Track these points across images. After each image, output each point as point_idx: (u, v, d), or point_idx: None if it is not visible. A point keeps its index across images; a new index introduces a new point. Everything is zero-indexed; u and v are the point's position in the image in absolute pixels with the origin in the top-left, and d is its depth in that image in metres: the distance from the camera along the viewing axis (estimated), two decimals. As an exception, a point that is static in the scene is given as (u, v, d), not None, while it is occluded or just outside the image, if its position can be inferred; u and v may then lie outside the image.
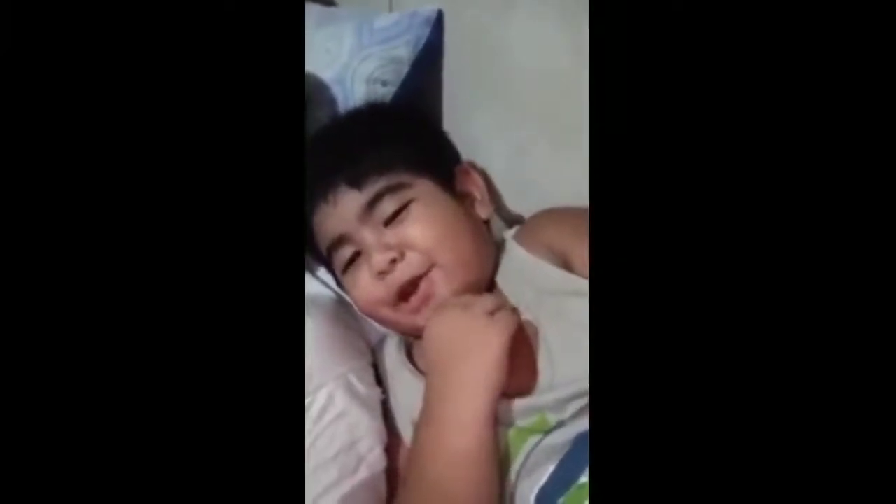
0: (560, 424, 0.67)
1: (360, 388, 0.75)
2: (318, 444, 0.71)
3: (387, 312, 0.76)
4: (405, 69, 0.91)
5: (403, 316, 0.75)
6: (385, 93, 0.90)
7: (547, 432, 0.68)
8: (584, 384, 0.65)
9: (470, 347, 0.68)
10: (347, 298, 0.82)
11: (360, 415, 0.73)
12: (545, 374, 0.70)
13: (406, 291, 0.74)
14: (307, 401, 0.71)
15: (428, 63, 0.92)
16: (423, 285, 0.74)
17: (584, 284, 0.70)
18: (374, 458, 0.73)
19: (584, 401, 0.67)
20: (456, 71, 0.92)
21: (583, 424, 0.66)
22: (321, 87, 0.90)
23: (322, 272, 0.85)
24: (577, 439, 0.65)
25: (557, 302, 0.72)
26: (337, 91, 0.90)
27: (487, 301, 0.71)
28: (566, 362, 0.69)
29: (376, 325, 0.82)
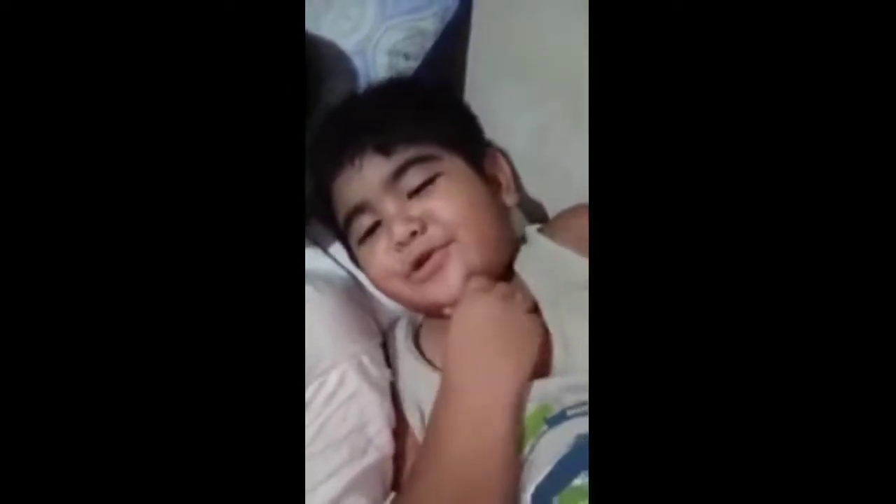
0: (562, 416, 0.65)
1: (372, 369, 0.74)
2: (328, 425, 0.70)
3: (399, 285, 0.75)
4: (429, 43, 0.88)
5: (413, 287, 0.74)
6: (407, 66, 0.88)
7: (548, 420, 0.66)
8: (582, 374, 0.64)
9: (510, 337, 0.68)
10: (359, 275, 0.81)
11: (371, 396, 0.72)
12: (559, 362, 0.69)
13: (419, 262, 0.73)
14: (319, 381, 0.70)
15: (454, 37, 0.89)
16: (436, 256, 0.72)
17: None
18: (383, 441, 0.72)
19: (581, 395, 0.65)
20: (480, 46, 0.89)
21: (583, 425, 0.64)
22: (341, 57, 0.87)
23: (334, 249, 0.84)
24: (577, 441, 0.63)
25: (581, 291, 0.69)
26: (358, 62, 0.87)
27: (524, 298, 0.71)
28: (580, 352, 0.68)
29: (388, 304, 0.81)
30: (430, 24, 0.88)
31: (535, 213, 0.85)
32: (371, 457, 0.71)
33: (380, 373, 0.74)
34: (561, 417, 0.65)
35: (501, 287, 0.72)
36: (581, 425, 0.64)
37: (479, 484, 0.65)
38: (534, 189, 0.85)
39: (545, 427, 0.66)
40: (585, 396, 0.65)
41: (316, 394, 0.69)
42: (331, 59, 0.87)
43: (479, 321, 0.69)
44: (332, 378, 0.70)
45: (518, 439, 0.66)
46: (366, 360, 0.73)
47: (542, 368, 0.69)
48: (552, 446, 0.64)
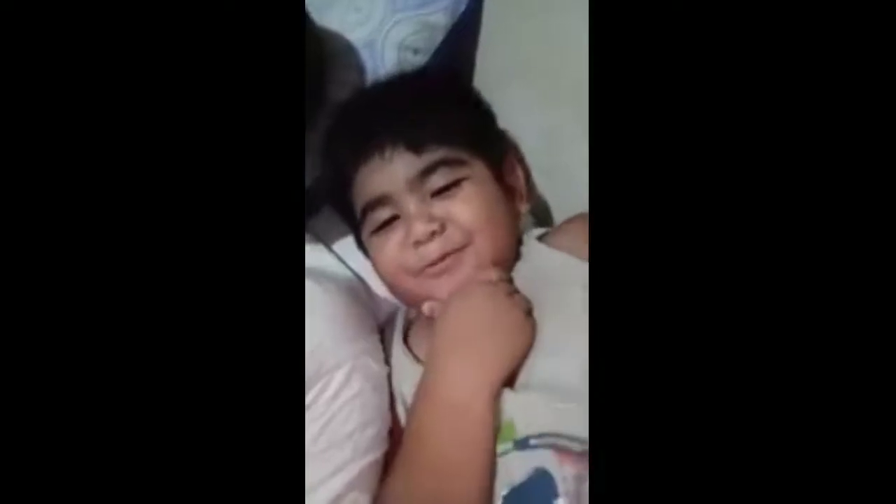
0: (525, 444, 0.64)
1: (374, 367, 0.74)
2: (332, 424, 0.69)
3: (407, 280, 0.75)
4: (439, 38, 0.87)
5: (422, 282, 0.74)
6: (416, 61, 0.87)
7: (515, 441, 0.65)
8: (556, 394, 0.64)
9: (500, 332, 0.68)
10: (361, 272, 0.81)
11: (374, 395, 0.72)
12: (525, 374, 0.68)
13: (436, 263, 0.73)
14: (324, 380, 0.69)
15: (464, 33, 0.88)
16: (450, 257, 0.73)
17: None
18: (382, 439, 0.72)
19: (551, 424, 0.64)
20: (489, 47, 0.88)
21: (543, 458, 0.63)
22: (349, 50, 0.86)
23: (338, 245, 0.83)
24: (534, 474, 0.63)
25: (560, 293, 0.70)
26: (365, 55, 0.86)
27: (506, 284, 0.72)
28: (549, 365, 0.67)
29: (387, 300, 0.81)
30: (441, 19, 0.87)
31: (540, 215, 0.85)
32: (372, 455, 0.70)
33: (381, 370, 0.74)
34: (524, 444, 0.65)
35: (506, 285, 0.72)
36: (540, 458, 0.63)
37: (454, 472, 0.65)
38: (541, 190, 0.85)
39: (511, 445, 0.65)
40: (552, 428, 0.64)
41: (321, 392, 0.69)
42: (338, 51, 0.86)
43: (473, 311, 0.70)
44: (338, 377, 0.70)
45: (493, 430, 0.66)
46: (369, 358, 0.73)
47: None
48: (511, 470, 0.64)
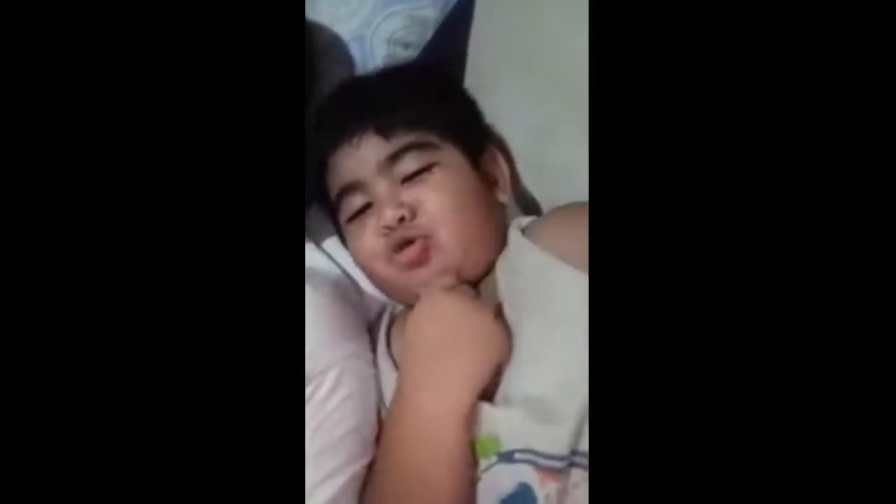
0: (510, 457, 0.64)
1: (366, 368, 0.73)
2: (325, 426, 0.68)
3: (380, 266, 0.74)
4: (430, 32, 0.86)
5: (396, 271, 0.73)
6: (406, 56, 0.86)
7: (500, 454, 0.64)
8: (541, 408, 0.63)
9: (465, 341, 0.67)
10: (350, 270, 0.80)
11: (365, 397, 0.72)
12: (505, 384, 0.67)
13: (402, 247, 0.72)
14: (316, 381, 0.69)
15: (455, 28, 0.87)
16: (417, 244, 0.72)
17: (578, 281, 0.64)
18: (372, 442, 0.71)
19: (530, 441, 0.63)
20: (483, 39, 0.87)
21: (528, 474, 0.62)
22: (338, 44, 0.85)
23: (328, 244, 0.82)
24: (519, 488, 0.63)
25: (538, 295, 0.69)
26: (355, 49, 0.85)
27: (467, 288, 0.71)
28: (528, 375, 0.66)
29: (376, 298, 0.80)
30: (431, 13, 0.86)
31: (532, 210, 0.83)
32: (364, 459, 0.70)
33: (371, 372, 0.74)
34: (509, 457, 0.64)
35: (464, 288, 0.71)
36: (523, 473, 0.63)
37: (429, 492, 0.65)
38: (532, 186, 0.84)
39: (495, 458, 0.64)
40: (531, 445, 0.63)
41: (313, 394, 0.68)
42: (327, 45, 0.85)
43: (435, 322, 0.69)
44: (330, 379, 0.69)
45: (466, 447, 0.65)
46: (361, 359, 0.73)
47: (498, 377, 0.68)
48: (499, 482, 0.64)
